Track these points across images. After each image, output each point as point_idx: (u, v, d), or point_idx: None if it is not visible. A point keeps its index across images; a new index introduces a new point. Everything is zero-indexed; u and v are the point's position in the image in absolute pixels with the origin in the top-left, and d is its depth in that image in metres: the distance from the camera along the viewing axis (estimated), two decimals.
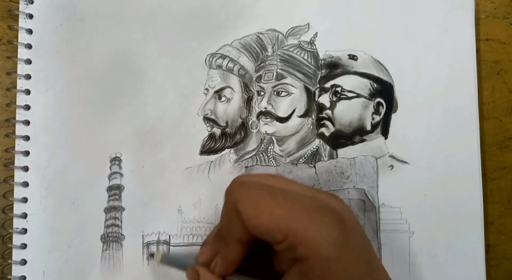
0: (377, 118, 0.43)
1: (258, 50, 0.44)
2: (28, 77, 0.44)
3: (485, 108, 0.44)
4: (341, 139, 0.43)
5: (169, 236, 0.43)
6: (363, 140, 0.43)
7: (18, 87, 0.44)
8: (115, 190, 0.43)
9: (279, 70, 0.44)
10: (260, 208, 0.30)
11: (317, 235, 0.29)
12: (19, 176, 0.43)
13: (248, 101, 0.44)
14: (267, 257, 0.34)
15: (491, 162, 0.44)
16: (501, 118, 0.44)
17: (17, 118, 0.44)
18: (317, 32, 0.44)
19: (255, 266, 0.34)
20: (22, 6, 0.44)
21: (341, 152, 0.43)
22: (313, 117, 0.43)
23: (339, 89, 0.43)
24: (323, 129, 0.43)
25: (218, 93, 0.44)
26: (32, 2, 0.44)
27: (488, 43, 0.45)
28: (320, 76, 0.44)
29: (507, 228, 0.43)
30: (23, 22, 0.44)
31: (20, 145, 0.43)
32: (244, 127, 0.44)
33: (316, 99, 0.43)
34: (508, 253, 0.43)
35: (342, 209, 0.31)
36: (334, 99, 0.43)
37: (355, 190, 0.42)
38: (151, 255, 0.42)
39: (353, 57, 0.44)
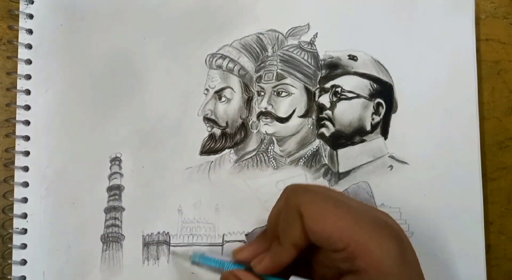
0: (377, 118, 0.43)
1: (258, 50, 0.44)
2: (28, 77, 0.44)
3: (485, 108, 0.44)
4: (341, 139, 0.43)
5: (169, 236, 0.43)
6: (363, 141, 0.43)
7: (18, 87, 0.44)
8: (115, 190, 0.43)
9: (279, 71, 0.44)
10: (324, 215, 0.31)
11: (379, 249, 0.30)
12: (19, 176, 0.43)
13: (248, 101, 0.44)
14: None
15: (491, 162, 0.44)
16: (501, 118, 0.44)
17: (17, 118, 0.44)
18: (317, 33, 0.44)
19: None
20: (22, 6, 0.44)
21: (341, 152, 0.43)
22: (313, 118, 0.43)
23: (339, 89, 0.43)
24: (323, 130, 0.43)
25: (218, 93, 0.44)
26: (32, 2, 0.44)
27: (488, 43, 0.45)
28: (320, 77, 0.44)
29: (507, 228, 0.43)
30: (23, 22, 0.44)
31: (20, 145, 0.43)
32: (244, 127, 0.44)
33: (316, 99, 0.44)
34: (508, 253, 0.43)
35: (398, 227, 0.32)
36: (334, 99, 0.43)
37: None
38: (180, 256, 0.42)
39: (353, 58, 0.44)
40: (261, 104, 0.44)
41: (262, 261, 0.35)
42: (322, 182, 0.43)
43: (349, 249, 0.30)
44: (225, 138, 0.44)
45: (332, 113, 0.43)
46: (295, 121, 0.43)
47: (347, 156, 0.43)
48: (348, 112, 0.43)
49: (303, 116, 0.43)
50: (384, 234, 0.31)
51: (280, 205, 0.35)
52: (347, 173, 0.43)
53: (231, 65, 0.44)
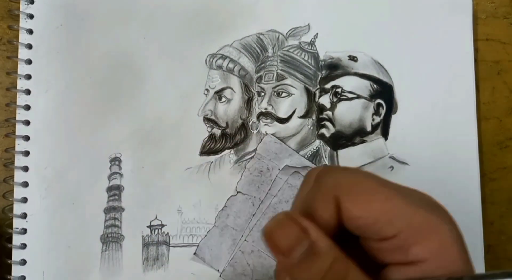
0: (377, 119, 0.43)
1: (258, 50, 0.44)
2: (28, 77, 0.44)
3: (485, 108, 0.44)
4: (341, 140, 0.43)
5: (169, 237, 0.42)
6: (363, 141, 0.43)
7: (18, 87, 0.44)
8: (114, 191, 0.43)
9: (279, 71, 0.44)
10: (370, 196, 0.25)
11: (440, 234, 0.25)
12: (19, 176, 0.43)
13: (248, 102, 0.44)
14: None
15: (491, 162, 0.44)
16: (501, 118, 0.44)
17: (17, 118, 0.43)
18: (317, 33, 0.44)
19: None
20: (22, 6, 0.44)
21: (342, 153, 0.43)
22: (314, 118, 0.43)
23: (339, 90, 0.43)
24: (323, 130, 0.43)
25: (219, 94, 0.44)
26: (33, 2, 0.44)
27: (488, 43, 0.45)
28: (321, 77, 0.44)
29: (508, 228, 0.43)
30: (23, 22, 0.44)
31: (20, 145, 0.43)
32: (244, 128, 0.44)
33: (317, 100, 0.43)
34: (508, 253, 0.43)
35: (446, 208, 0.27)
36: (335, 100, 0.43)
37: (283, 171, 0.42)
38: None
39: (353, 58, 0.44)
40: (261, 105, 0.44)
41: None
42: None
43: (402, 236, 0.24)
44: (225, 139, 0.43)
45: (332, 113, 0.43)
46: (295, 121, 0.43)
47: (348, 157, 0.43)
48: (348, 113, 0.43)
49: (303, 116, 0.43)
50: (441, 217, 0.25)
51: (306, 190, 0.28)
52: None
53: (231, 65, 0.44)
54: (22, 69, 0.44)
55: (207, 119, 0.44)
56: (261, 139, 0.43)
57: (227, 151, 0.43)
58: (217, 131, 0.44)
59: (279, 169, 0.42)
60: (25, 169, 0.43)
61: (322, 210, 0.26)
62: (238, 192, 0.42)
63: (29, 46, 0.44)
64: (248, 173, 0.42)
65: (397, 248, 0.25)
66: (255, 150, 0.43)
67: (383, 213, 0.25)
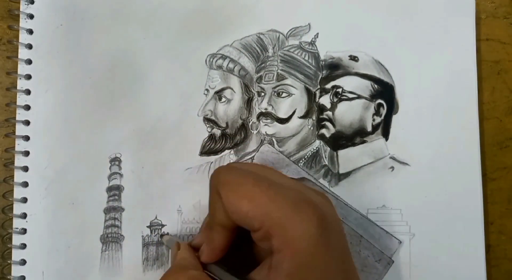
0: (378, 119, 0.43)
1: (258, 50, 0.44)
2: (28, 77, 0.44)
3: (485, 108, 0.44)
4: (341, 140, 0.43)
5: None
6: (363, 142, 0.43)
7: (18, 87, 0.44)
8: (114, 191, 0.43)
9: (279, 71, 0.44)
10: (240, 193, 0.30)
11: (294, 227, 0.28)
12: (19, 176, 0.43)
13: (248, 102, 0.44)
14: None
15: (491, 162, 0.44)
16: (501, 118, 0.44)
17: (17, 118, 0.43)
18: (318, 33, 0.44)
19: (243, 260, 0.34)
20: (22, 6, 0.44)
21: (342, 153, 0.43)
22: (314, 118, 0.43)
23: (339, 90, 0.43)
24: (323, 130, 0.43)
25: (219, 94, 0.44)
26: (33, 2, 0.44)
27: (489, 43, 0.45)
28: (321, 77, 0.44)
29: (508, 228, 0.43)
30: (23, 22, 0.44)
31: (20, 145, 0.43)
32: (244, 128, 0.44)
33: (317, 100, 0.43)
34: (508, 253, 0.43)
35: (325, 208, 0.30)
36: (335, 100, 0.43)
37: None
38: (161, 236, 0.42)
39: (354, 58, 0.44)
40: (261, 105, 0.44)
41: (203, 250, 0.34)
42: (322, 183, 0.43)
43: (265, 228, 0.28)
44: (225, 139, 0.43)
45: (333, 114, 0.43)
46: (295, 122, 0.43)
47: (348, 157, 0.43)
48: (348, 113, 0.43)
49: (304, 117, 0.43)
50: (303, 212, 0.28)
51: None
52: (348, 174, 0.43)
53: (231, 65, 0.44)
54: (22, 69, 0.44)
55: (207, 119, 0.44)
56: (259, 150, 0.42)
57: (227, 151, 0.43)
58: (217, 131, 0.44)
59: None
60: (25, 169, 0.43)
61: (213, 208, 0.31)
62: None
63: (29, 46, 0.44)
64: None
65: (264, 238, 0.29)
66: (255, 150, 0.43)
67: (250, 208, 0.29)
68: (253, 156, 0.43)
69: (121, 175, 0.43)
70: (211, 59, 0.44)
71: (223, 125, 0.44)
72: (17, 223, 0.43)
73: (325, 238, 0.28)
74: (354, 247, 0.40)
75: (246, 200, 0.29)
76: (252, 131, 0.44)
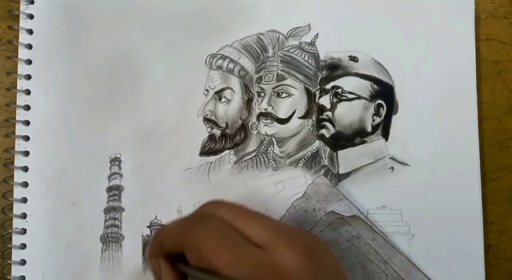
0: (378, 119, 0.43)
1: (258, 51, 0.44)
2: (28, 77, 0.44)
3: (485, 108, 0.44)
4: (341, 140, 0.43)
5: None
6: (363, 142, 0.43)
7: (18, 87, 0.44)
8: (114, 191, 0.43)
9: (279, 71, 0.44)
10: (204, 251, 0.29)
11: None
12: (18, 176, 0.43)
13: (248, 102, 0.44)
14: None
15: (491, 162, 0.44)
16: (501, 118, 0.44)
17: (17, 118, 0.44)
18: (318, 33, 0.44)
19: None
20: (22, 7, 0.44)
21: (342, 153, 0.43)
22: (314, 119, 0.43)
23: (339, 90, 0.43)
24: (323, 131, 0.43)
25: (218, 94, 0.44)
26: (33, 3, 0.44)
27: (488, 43, 0.45)
28: (321, 78, 0.44)
29: (508, 228, 0.43)
30: (23, 23, 0.44)
31: (20, 145, 0.43)
32: (244, 128, 0.44)
33: (317, 100, 0.43)
34: (508, 253, 0.43)
35: (290, 265, 0.28)
36: (335, 100, 0.43)
37: (328, 215, 0.41)
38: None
39: (353, 59, 0.43)
40: (261, 105, 0.44)
41: None
42: None
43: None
44: (225, 139, 0.43)
45: (333, 114, 0.43)
46: (295, 122, 0.43)
47: (348, 158, 0.43)
48: (348, 113, 0.43)
49: (303, 117, 0.43)
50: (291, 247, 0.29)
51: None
52: (347, 174, 0.43)
53: (231, 65, 0.44)
54: (22, 69, 0.44)
55: (207, 120, 0.44)
56: (313, 181, 0.42)
57: (226, 151, 0.43)
58: (217, 132, 0.44)
59: (325, 211, 0.41)
60: (25, 169, 0.43)
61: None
62: None
63: (29, 46, 0.44)
64: (294, 211, 0.42)
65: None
66: (254, 150, 0.43)
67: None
68: (253, 156, 0.43)
69: (121, 175, 0.43)
70: (211, 59, 0.44)
71: (223, 125, 0.44)
72: (17, 223, 0.43)
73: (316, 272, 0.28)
74: None
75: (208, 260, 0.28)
76: (252, 131, 0.44)
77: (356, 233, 0.41)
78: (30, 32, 0.44)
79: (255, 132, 0.43)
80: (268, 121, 0.43)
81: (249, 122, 0.44)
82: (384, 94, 0.43)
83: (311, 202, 0.42)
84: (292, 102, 0.43)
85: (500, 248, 0.43)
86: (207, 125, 0.44)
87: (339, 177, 0.43)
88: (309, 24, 0.44)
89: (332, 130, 0.43)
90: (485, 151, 0.43)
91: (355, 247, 0.41)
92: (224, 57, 0.44)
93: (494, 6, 0.45)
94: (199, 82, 0.44)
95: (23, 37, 0.44)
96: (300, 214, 0.42)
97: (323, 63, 0.44)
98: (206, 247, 0.29)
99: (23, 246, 0.42)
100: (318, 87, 0.43)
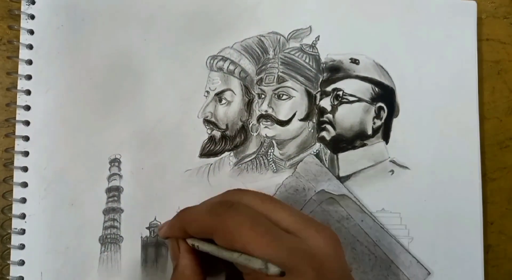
0: (378, 122, 0.43)
1: (259, 52, 0.44)
2: (28, 77, 0.44)
3: (486, 108, 0.44)
4: (342, 143, 0.43)
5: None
6: (364, 145, 0.43)
7: (18, 87, 0.44)
8: (114, 192, 0.43)
9: (280, 73, 0.44)
10: (237, 235, 0.30)
11: None
12: (18, 177, 0.43)
13: (248, 104, 0.44)
14: None
15: (491, 162, 0.44)
16: (501, 118, 0.44)
17: (17, 118, 0.43)
18: (319, 36, 0.44)
19: None
20: (23, 7, 0.44)
21: (342, 156, 0.43)
22: (314, 121, 0.43)
23: (340, 93, 0.43)
24: (323, 133, 0.43)
25: (219, 96, 0.44)
26: (34, 3, 0.44)
27: (489, 43, 0.45)
28: (322, 80, 0.43)
29: (508, 228, 0.43)
30: (24, 23, 0.44)
31: (19, 146, 0.43)
32: (244, 130, 0.44)
33: (317, 102, 0.43)
34: (508, 253, 0.43)
35: (323, 251, 0.30)
36: (335, 103, 0.43)
37: (318, 194, 0.41)
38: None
39: (355, 61, 0.43)
40: (261, 107, 0.44)
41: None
42: None
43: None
44: (225, 141, 0.43)
45: (333, 116, 0.43)
46: (295, 124, 0.43)
47: (348, 160, 0.43)
48: (349, 116, 0.43)
49: (304, 119, 0.43)
50: (298, 265, 0.29)
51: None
52: (348, 177, 0.43)
53: (232, 67, 0.44)
54: (23, 69, 0.44)
55: (207, 121, 0.44)
56: (304, 161, 0.42)
57: (226, 153, 0.43)
58: (217, 133, 0.43)
59: (315, 191, 0.42)
60: (25, 169, 0.43)
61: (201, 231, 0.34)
62: None
63: (30, 47, 0.44)
64: (284, 190, 0.42)
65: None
66: (255, 152, 0.43)
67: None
68: (253, 158, 0.43)
69: (120, 176, 0.43)
70: (212, 61, 0.44)
71: (223, 127, 0.44)
72: (16, 224, 0.43)
73: None
74: (382, 271, 0.40)
75: (241, 243, 0.30)
76: (252, 133, 0.43)
77: (346, 214, 0.41)
78: (31, 32, 0.44)
79: (255, 134, 0.43)
80: (269, 123, 0.43)
81: (249, 124, 0.44)
82: (385, 96, 0.43)
83: (301, 181, 0.42)
84: (293, 104, 0.43)
85: (500, 248, 0.43)
86: (207, 127, 0.44)
87: (340, 180, 0.43)
88: (310, 26, 0.44)
89: (333, 133, 0.43)
90: (485, 151, 0.44)
91: (344, 228, 0.41)
92: (224, 59, 0.44)
93: (494, 6, 0.45)
94: (200, 84, 0.44)
95: (24, 38, 0.44)
96: (291, 193, 0.42)
97: (324, 65, 0.44)
98: (240, 232, 0.30)
99: (22, 247, 0.42)
100: (319, 89, 0.43)
